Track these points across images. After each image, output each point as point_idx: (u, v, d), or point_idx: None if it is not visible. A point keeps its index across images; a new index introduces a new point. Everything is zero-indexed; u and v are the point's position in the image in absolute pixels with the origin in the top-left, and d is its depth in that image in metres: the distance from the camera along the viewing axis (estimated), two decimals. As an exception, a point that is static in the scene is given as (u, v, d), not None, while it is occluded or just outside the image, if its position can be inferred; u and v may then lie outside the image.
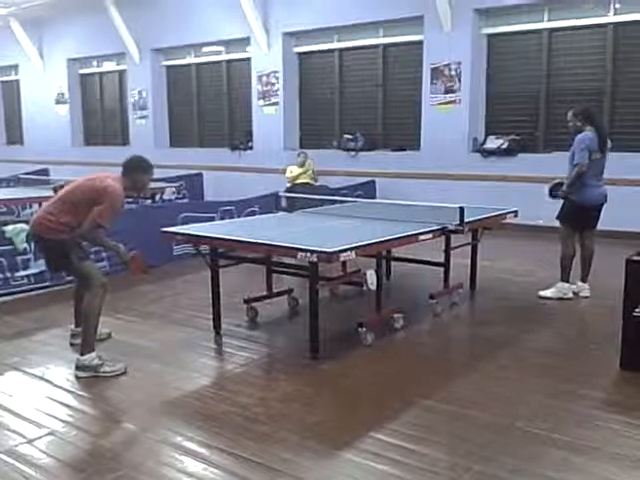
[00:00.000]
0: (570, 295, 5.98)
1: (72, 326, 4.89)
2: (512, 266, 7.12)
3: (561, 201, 5.93)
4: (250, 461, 3.14)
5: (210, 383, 4.24)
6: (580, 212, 5.83)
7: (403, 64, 11.06)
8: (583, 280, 6.08)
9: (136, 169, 4.53)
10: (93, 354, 4.26)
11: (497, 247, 7.09)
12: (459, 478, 2.98)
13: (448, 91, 10.24)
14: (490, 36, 10.15)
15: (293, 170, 10.53)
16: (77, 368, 4.25)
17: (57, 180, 10.91)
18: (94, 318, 4.30)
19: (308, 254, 4.19)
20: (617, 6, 9.01)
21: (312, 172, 10.57)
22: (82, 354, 4.25)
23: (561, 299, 5.96)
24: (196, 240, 5.17)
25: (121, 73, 15.15)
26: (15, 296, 6.18)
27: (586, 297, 5.99)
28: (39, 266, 6.31)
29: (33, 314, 5.70)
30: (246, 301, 5.49)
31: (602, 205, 5.94)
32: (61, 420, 3.64)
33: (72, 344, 4.79)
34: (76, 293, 4.78)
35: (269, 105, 12.39)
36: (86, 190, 4.32)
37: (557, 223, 6.08)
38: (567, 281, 6.02)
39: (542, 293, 6.07)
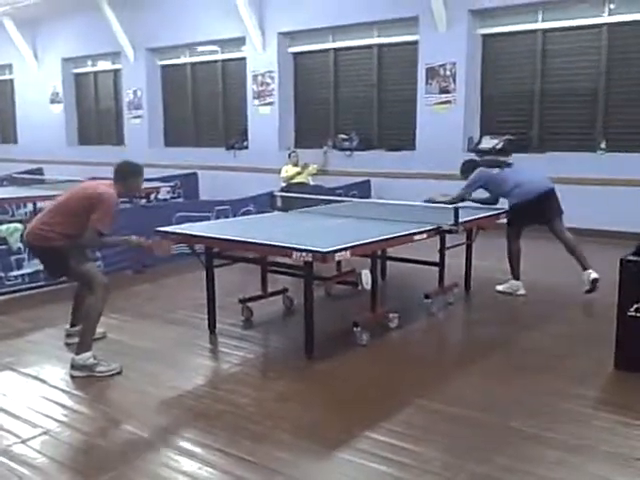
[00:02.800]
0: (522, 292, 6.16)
1: (67, 326, 4.87)
2: (506, 266, 7.10)
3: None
4: (245, 460, 3.14)
5: (205, 382, 4.23)
6: (521, 211, 6.04)
7: (398, 64, 11.07)
8: (585, 268, 6.04)
9: (129, 175, 4.53)
10: (89, 354, 4.25)
11: (492, 247, 7.09)
12: (454, 477, 2.99)
13: (443, 91, 10.25)
14: (485, 36, 10.17)
15: (288, 170, 10.53)
16: (72, 367, 4.24)
17: (51, 180, 10.91)
18: (95, 319, 4.30)
19: (303, 254, 4.18)
20: (611, 6, 9.04)
21: (312, 171, 10.60)
22: (77, 353, 4.25)
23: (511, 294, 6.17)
24: (191, 240, 5.16)
25: (116, 72, 15.12)
26: (9, 296, 6.16)
27: (596, 279, 5.90)
28: (33, 266, 6.29)
29: (27, 314, 5.68)
30: (241, 301, 5.49)
31: (542, 197, 6.02)
32: (56, 420, 3.63)
33: (67, 344, 4.78)
34: (77, 294, 4.78)
35: (264, 105, 12.39)
36: (81, 199, 4.32)
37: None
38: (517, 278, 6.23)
39: (500, 287, 6.27)
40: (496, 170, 6.24)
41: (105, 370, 4.23)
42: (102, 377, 4.19)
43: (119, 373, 4.26)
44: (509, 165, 6.32)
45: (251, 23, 11.90)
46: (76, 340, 4.65)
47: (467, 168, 6.45)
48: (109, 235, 4.42)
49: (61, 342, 4.84)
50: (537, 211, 6.06)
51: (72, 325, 4.84)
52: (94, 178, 9.62)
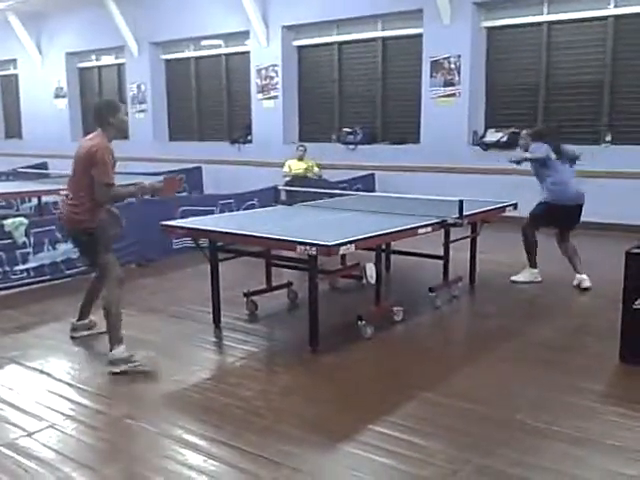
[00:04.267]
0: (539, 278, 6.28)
1: (74, 320, 4.87)
2: (511, 259, 7.10)
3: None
4: (250, 454, 3.15)
5: (210, 376, 4.24)
6: (553, 210, 6.10)
7: (402, 57, 11.03)
8: (578, 272, 6.17)
9: (109, 113, 4.35)
10: (122, 347, 4.22)
11: (496, 240, 7.09)
12: (459, 470, 2.99)
13: (448, 84, 10.22)
14: (490, 29, 10.13)
15: (292, 165, 10.52)
16: (111, 364, 4.19)
17: (56, 174, 10.91)
18: (115, 313, 4.25)
19: (307, 247, 4.18)
20: (617, -2, 9.00)
21: (314, 168, 10.57)
22: (111, 349, 4.21)
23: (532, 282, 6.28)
24: (195, 233, 5.17)
25: (120, 67, 15.10)
26: (14, 290, 6.17)
27: (587, 288, 6.08)
28: (38, 260, 6.32)
29: (32, 308, 5.70)
30: (246, 294, 5.49)
31: (578, 208, 6.20)
32: (61, 413, 3.65)
33: (73, 337, 4.80)
34: (92, 287, 4.75)
35: (268, 99, 12.36)
36: (80, 163, 4.25)
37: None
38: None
39: (515, 278, 6.34)
40: (554, 156, 6.14)
41: (141, 361, 4.21)
42: (139, 368, 4.17)
43: (156, 362, 4.26)
44: (563, 158, 6.21)
45: (255, 16, 11.87)
46: (83, 334, 4.73)
47: (538, 134, 6.35)
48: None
49: (66, 336, 4.85)
50: (566, 218, 6.17)
51: (79, 319, 4.83)
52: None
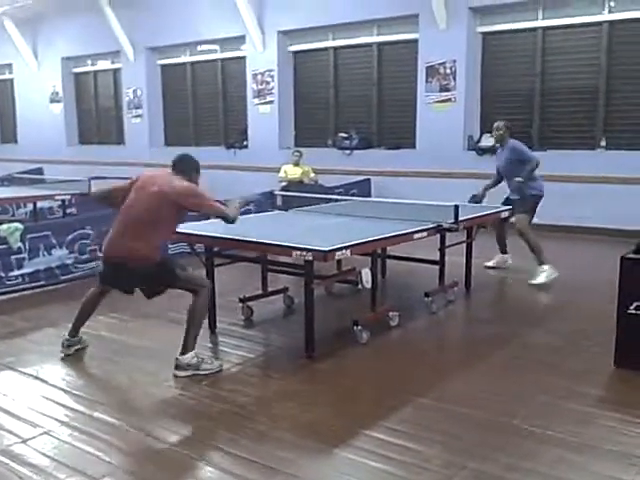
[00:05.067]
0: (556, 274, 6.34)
1: (66, 334, 4.61)
2: (508, 264, 7.12)
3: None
4: (246, 460, 3.14)
5: (206, 382, 4.22)
6: (538, 200, 6.50)
7: (398, 62, 11.06)
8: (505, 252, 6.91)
9: (194, 170, 4.51)
10: (192, 353, 4.19)
11: (492, 245, 7.09)
12: (454, 476, 2.98)
13: (443, 89, 10.24)
14: (485, 34, 10.16)
15: (287, 170, 10.53)
16: (177, 368, 4.17)
17: (52, 179, 10.90)
18: (201, 321, 4.28)
19: (303, 253, 4.18)
20: (611, 4, 9.03)
21: (310, 173, 10.58)
22: (182, 354, 4.18)
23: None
24: (191, 239, 5.15)
25: (116, 72, 15.09)
26: (9, 295, 6.15)
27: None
28: (33, 265, 6.30)
29: (27, 313, 5.68)
30: (241, 300, 5.48)
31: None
32: (56, 419, 3.63)
33: (67, 355, 4.56)
34: (92, 303, 4.55)
35: (264, 104, 12.38)
36: (166, 201, 4.15)
37: (545, 220, 6.61)
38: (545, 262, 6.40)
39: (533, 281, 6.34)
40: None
41: (209, 368, 4.22)
42: (207, 374, 4.17)
43: (220, 371, 4.25)
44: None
45: (251, 22, 11.89)
46: (72, 350, 4.57)
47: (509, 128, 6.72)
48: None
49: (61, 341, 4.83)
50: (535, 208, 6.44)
51: (73, 335, 4.61)
52: (95, 177, 9.69)
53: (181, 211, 4.26)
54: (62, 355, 4.56)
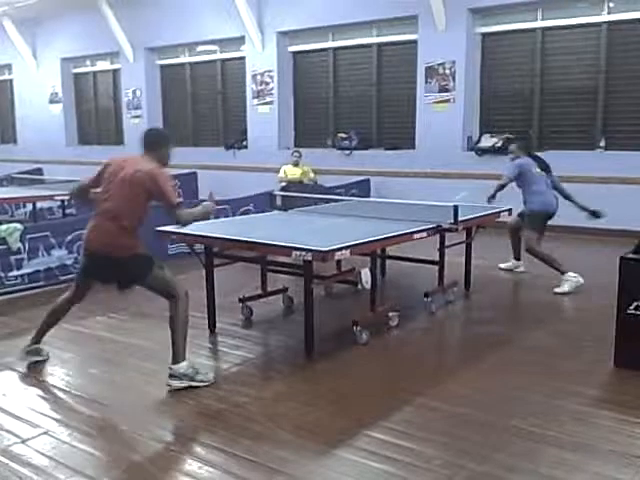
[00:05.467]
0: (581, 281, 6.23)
1: (29, 342, 4.44)
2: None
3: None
4: (246, 460, 3.14)
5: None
6: (545, 217, 6.44)
7: (397, 63, 11.07)
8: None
9: (165, 143, 4.22)
10: (185, 362, 4.05)
11: (491, 245, 7.11)
12: (454, 476, 2.99)
13: (442, 90, 10.25)
14: (484, 35, 10.17)
15: (287, 171, 10.53)
16: (171, 377, 4.01)
17: (51, 180, 10.90)
18: (184, 329, 4.10)
19: (303, 253, 4.19)
20: (611, 5, 9.04)
21: (309, 174, 10.58)
22: (174, 363, 4.03)
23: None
24: (191, 239, 5.16)
25: (115, 72, 15.10)
26: (9, 296, 6.15)
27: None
28: (33, 266, 6.30)
29: (27, 314, 5.67)
30: (241, 300, 5.49)
31: (554, 213, 6.51)
32: (55, 420, 3.63)
33: (31, 363, 4.40)
34: (59, 309, 4.39)
35: (263, 104, 12.38)
36: (134, 185, 3.95)
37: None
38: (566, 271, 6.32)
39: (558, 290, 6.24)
40: (535, 170, 6.49)
41: (204, 379, 4.06)
42: (201, 386, 4.02)
43: (213, 384, 4.07)
44: (543, 168, 6.57)
45: (250, 22, 11.90)
46: (33, 360, 4.42)
47: (525, 148, 6.75)
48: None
49: (61, 342, 4.83)
50: (545, 224, 6.45)
51: (36, 342, 4.44)
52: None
53: (149, 196, 4.00)
54: (26, 363, 4.43)
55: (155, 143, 4.18)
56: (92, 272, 4.26)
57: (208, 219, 4.46)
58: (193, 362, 4.16)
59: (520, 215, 6.69)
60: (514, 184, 6.54)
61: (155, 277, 4.12)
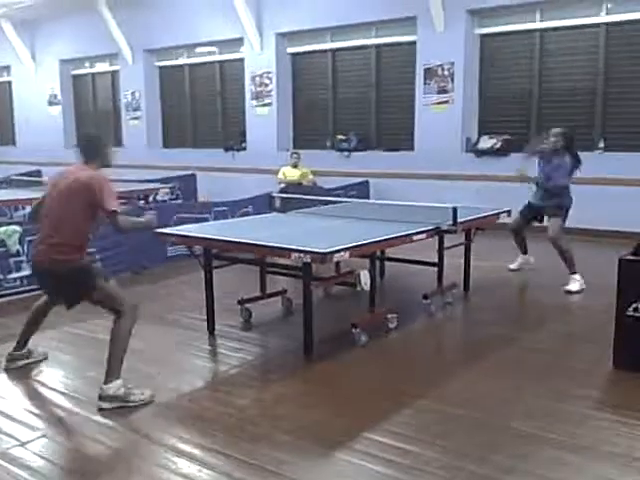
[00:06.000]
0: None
1: (11, 349, 4.40)
2: (505, 266, 7.13)
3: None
4: (245, 462, 3.14)
5: (204, 384, 4.23)
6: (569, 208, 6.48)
7: (396, 64, 11.07)
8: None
9: (103, 145, 4.06)
10: (119, 382, 3.78)
11: (490, 247, 7.10)
12: (453, 477, 2.98)
13: (441, 91, 10.25)
14: (483, 36, 10.17)
15: (286, 172, 10.53)
16: (101, 399, 3.75)
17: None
18: (125, 343, 3.86)
19: (302, 255, 4.18)
20: (609, 6, 9.05)
21: (308, 175, 10.58)
22: (106, 382, 3.77)
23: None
24: (190, 241, 5.16)
25: (114, 74, 15.10)
26: (7, 298, 6.14)
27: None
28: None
29: (25, 316, 5.65)
30: (240, 302, 5.48)
31: None
32: (54, 422, 3.63)
33: (8, 369, 4.31)
34: (38, 314, 4.34)
35: (262, 106, 12.38)
36: (75, 195, 3.82)
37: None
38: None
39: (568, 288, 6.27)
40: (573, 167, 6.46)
41: (140, 399, 3.80)
42: (137, 406, 3.78)
43: (152, 402, 3.84)
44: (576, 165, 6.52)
45: (249, 24, 11.90)
46: (19, 364, 4.37)
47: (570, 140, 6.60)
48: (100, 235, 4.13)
49: (60, 344, 4.84)
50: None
51: (18, 349, 4.38)
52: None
53: (88, 205, 3.83)
54: (3, 368, 4.38)
55: (93, 148, 4.01)
56: (42, 286, 4.22)
57: (151, 229, 4.41)
58: (127, 381, 3.84)
59: (522, 213, 6.67)
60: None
61: (99, 289, 3.91)
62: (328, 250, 4.18)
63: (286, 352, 4.81)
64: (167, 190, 10.96)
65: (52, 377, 4.32)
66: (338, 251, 4.25)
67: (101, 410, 3.72)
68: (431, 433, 3.42)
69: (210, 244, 4.95)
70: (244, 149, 12.79)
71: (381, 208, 6.71)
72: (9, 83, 17.41)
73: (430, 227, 5.19)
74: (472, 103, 10.30)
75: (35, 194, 9.16)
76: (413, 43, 10.53)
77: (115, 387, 3.76)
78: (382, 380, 4.20)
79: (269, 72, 12.16)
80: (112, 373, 3.79)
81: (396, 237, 4.91)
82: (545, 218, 6.56)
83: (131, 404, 3.76)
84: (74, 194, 3.82)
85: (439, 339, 5.33)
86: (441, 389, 4.01)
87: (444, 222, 5.23)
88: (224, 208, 8.49)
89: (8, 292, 6.17)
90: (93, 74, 15.76)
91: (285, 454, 3.22)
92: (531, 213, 6.66)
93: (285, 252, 4.33)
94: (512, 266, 7.07)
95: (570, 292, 6.17)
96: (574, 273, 6.24)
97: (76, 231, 3.88)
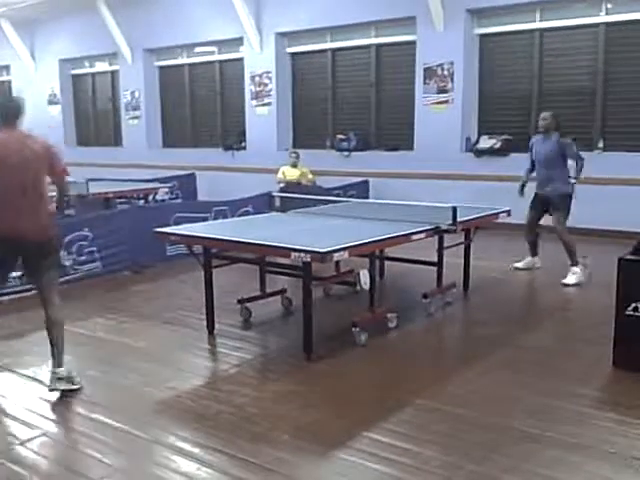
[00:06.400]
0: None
1: (51, 367, 4.01)
2: (505, 265, 7.13)
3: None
4: (244, 461, 3.14)
5: (204, 383, 4.23)
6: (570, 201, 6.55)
7: (396, 64, 11.07)
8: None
9: (23, 111, 3.93)
10: (67, 366, 3.97)
11: (490, 246, 7.11)
12: (453, 477, 2.99)
13: (441, 91, 10.26)
14: (482, 36, 10.17)
15: (286, 172, 10.52)
16: (58, 380, 3.89)
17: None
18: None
19: (301, 254, 4.18)
20: (609, 6, 9.05)
21: (308, 175, 10.57)
22: (61, 365, 3.93)
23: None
24: (189, 240, 5.16)
25: (113, 73, 15.10)
26: (7, 297, 6.13)
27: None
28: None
29: (25, 315, 5.65)
30: (240, 301, 5.48)
31: None
32: (54, 421, 3.64)
33: (54, 389, 3.95)
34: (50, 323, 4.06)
35: (262, 105, 12.38)
36: (41, 159, 3.85)
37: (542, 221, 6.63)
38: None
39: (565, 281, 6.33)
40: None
41: (77, 381, 3.99)
42: (78, 387, 3.94)
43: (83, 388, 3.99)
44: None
45: (249, 23, 11.90)
46: (63, 388, 4.06)
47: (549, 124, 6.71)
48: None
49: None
50: None
51: (60, 364, 4.01)
52: (93, 179, 9.67)
53: (50, 168, 3.91)
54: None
55: (22, 112, 3.91)
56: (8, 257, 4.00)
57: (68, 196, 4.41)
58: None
59: (532, 205, 6.70)
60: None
61: (58, 263, 4.03)
62: (328, 249, 4.18)
63: (286, 351, 4.81)
64: (166, 190, 10.97)
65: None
66: (338, 250, 4.25)
67: (54, 391, 3.90)
68: (431, 432, 3.42)
69: (210, 243, 4.95)
70: (244, 149, 12.79)
71: (381, 208, 6.71)
72: (9, 82, 17.40)
73: (429, 227, 5.19)
74: (472, 103, 10.30)
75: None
76: (413, 43, 10.53)
77: (67, 369, 3.96)
78: (382, 379, 4.20)
79: (269, 72, 12.16)
80: (63, 358, 3.96)
81: (396, 237, 4.91)
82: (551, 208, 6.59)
83: (76, 385, 3.95)
84: (42, 160, 3.86)
85: (439, 338, 5.33)
86: (441, 388, 4.01)
87: (443, 222, 5.23)
88: (224, 207, 8.49)
89: (8, 291, 6.13)
90: (93, 74, 15.75)
91: (284, 453, 3.22)
92: (541, 204, 6.65)
93: (285, 251, 4.32)
94: (518, 265, 7.05)
95: (567, 285, 6.20)
96: (574, 265, 6.25)
97: (46, 200, 3.95)
